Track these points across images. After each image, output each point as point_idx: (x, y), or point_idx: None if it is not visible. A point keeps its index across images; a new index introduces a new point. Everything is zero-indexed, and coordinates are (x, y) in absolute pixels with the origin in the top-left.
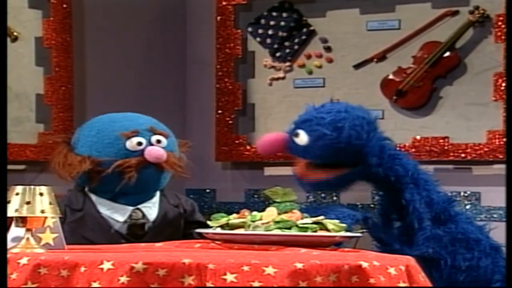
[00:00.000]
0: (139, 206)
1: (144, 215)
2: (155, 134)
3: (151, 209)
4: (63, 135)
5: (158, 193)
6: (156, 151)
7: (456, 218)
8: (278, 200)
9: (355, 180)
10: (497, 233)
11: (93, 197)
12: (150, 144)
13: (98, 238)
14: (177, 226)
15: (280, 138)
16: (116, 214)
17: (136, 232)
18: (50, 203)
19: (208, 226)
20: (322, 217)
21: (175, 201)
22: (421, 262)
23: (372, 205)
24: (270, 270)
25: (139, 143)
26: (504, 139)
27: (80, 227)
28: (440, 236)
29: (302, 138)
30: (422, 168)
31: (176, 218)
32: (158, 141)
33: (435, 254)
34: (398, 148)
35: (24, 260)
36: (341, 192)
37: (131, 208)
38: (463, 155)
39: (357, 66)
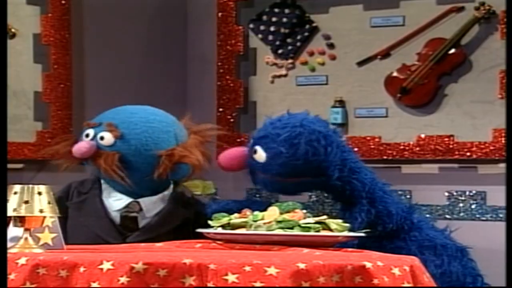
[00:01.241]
0: (139, 200)
1: (141, 209)
2: (106, 130)
3: (154, 205)
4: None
5: (170, 189)
6: (77, 145)
7: (419, 225)
8: (198, 192)
9: (312, 189)
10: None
11: (103, 183)
12: (93, 138)
13: (93, 224)
14: (176, 228)
15: (240, 154)
16: (115, 202)
17: (129, 224)
18: (49, 203)
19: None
20: (325, 216)
21: (189, 201)
22: None
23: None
24: (272, 270)
25: (87, 135)
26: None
27: (79, 209)
28: (403, 247)
29: (260, 155)
30: (380, 181)
31: (179, 219)
32: (101, 138)
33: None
34: (358, 160)
35: (22, 260)
36: (296, 194)
37: (130, 199)
38: (468, 153)
39: (361, 63)
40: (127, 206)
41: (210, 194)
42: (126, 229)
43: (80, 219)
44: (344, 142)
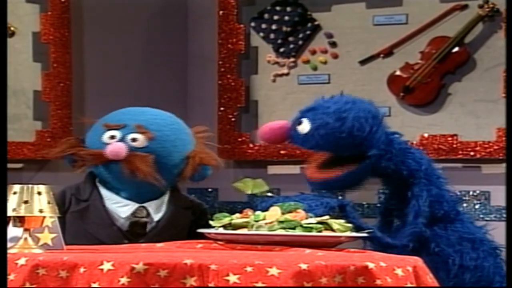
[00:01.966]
0: (145, 204)
1: (148, 214)
2: (137, 132)
3: (157, 209)
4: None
5: (168, 192)
6: (113, 147)
7: (461, 217)
8: (248, 192)
9: (365, 176)
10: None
11: (102, 189)
12: (122, 140)
13: (99, 232)
14: (182, 230)
15: (282, 125)
16: (121, 209)
17: (137, 230)
18: (49, 202)
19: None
20: (327, 216)
21: (186, 203)
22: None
23: (378, 204)
24: (274, 271)
25: (112, 137)
26: None
27: (83, 218)
28: (442, 236)
29: (305, 126)
30: (435, 165)
31: (183, 221)
32: (133, 139)
33: (443, 253)
34: (409, 144)
35: (22, 261)
36: (352, 191)
37: (136, 205)
38: (472, 153)
39: (363, 62)
40: (134, 211)
41: (263, 192)
42: (134, 235)
43: (83, 227)
44: (389, 131)
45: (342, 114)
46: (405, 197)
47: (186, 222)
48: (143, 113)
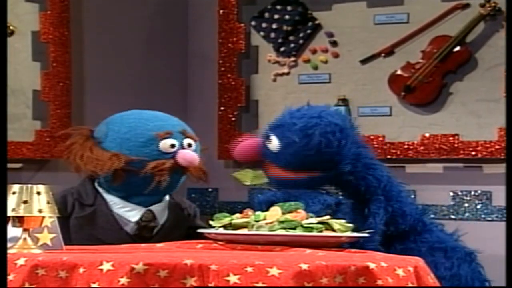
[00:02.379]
0: (151, 208)
1: (155, 217)
2: (187, 137)
3: (162, 212)
4: (84, 127)
5: (167, 196)
6: (190, 155)
7: (430, 227)
8: (247, 183)
9: (325, 184)
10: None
11: (105, 194)
12: (182, 147)
13: (108, 237)
14: (184, 230)
15: (253, 144)
16: (129, 213)
17: (145, 234)
18: (48, 202)
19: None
20: (328, 217)
21: (182, 204)
22: None
23: None
24: (274, 271)
25: (172, 145)
26: None
27: (89, 223)
28: (413, 249)
29: (274, 143)
30: (396, 180)
31: (184, 222)
32: (189, 145)
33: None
34: (374, 157)
35: (21, 261)
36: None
37: (143, 209)
38: (473, 153)
39: (364, 61)
40: (142, 215)
41: (261, 184)
42: (142, 239)
43: (91, 232)
44: (360, 138)
45: (308, 131)
46: (362, 212)
47: (185, 223)
48: (170, 118)
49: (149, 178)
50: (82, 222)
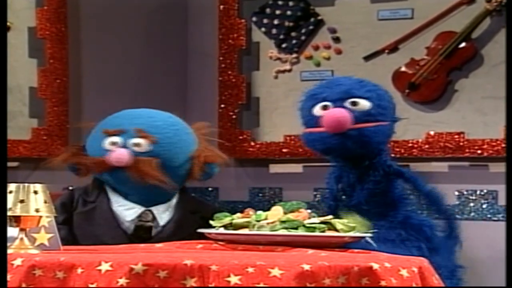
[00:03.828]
0: (151, 208)
1: (154, 218)
2: (138, 137)
3: (164, 213)
4: None
5: (176, 196)
6: (116, 154)
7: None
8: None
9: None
10: None
11: (110, 192)
12: (124, 146)
13: (104, 234)
14: (189, 235)
15: (343, 113)
16: (126, 212)
17: (142, 234)
18: (45, 202)
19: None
20: (330, 216)
21: (194, 207)
22: None
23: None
24: (276, 271)
25: (113, 143)
26: None
27: (88, 219)
28: None
29: (363, 104)
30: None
31: (190, 226)
32: (136, 144)
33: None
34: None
35: (18, 261)
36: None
37: (142, 208)
38: (479, 151)
39: (368, 58)
40: (140, 215)
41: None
42: (139, 239)
43: (89, 228)
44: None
45: (380, 91)
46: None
47: (192, 226)
48: (141, 116)
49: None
50: (82, 218)
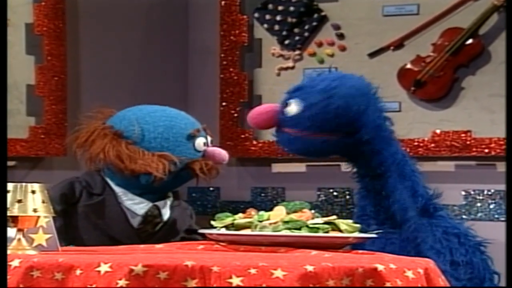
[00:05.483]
0: (157, 203)
1: (160, 213)
2: (208, 135)
3: (166, 209)
4: (97, 121)
5: (171, 197)
6: (222, 153)
7: (441, 212)
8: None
9: (340, 151)
10: None
11: (113, 185)
12: (207, 144)
13: (111, 228)
14: (186, 230)
15: (270, 108)
16: (136, 206)
17: (149, 229)
18: (43, 202)
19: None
20: (334, 216)
21: (184, 204)
22: None
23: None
24: (278, 273)
25: (205, 143)
26: None
27: (95, 212)
28: (427, 227)
29: (292, 107)
30: (412, 161)
31: (185, 221)
32: (212, 142)
33: (430, 248)
34: (393, 132)
35: (15, 262)
36: (321, 157)
37: (150, 203)
38: (486, 150)
39: (372, 55)
40: (148, 211)
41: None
42: (145, 234)
43: (95, 222)
44: (383, 108)
45: (328, 93)
46: (378, 192)
47: (186, 222)
48: (187, 115)
49: (184, 176)
50: (89, 210)
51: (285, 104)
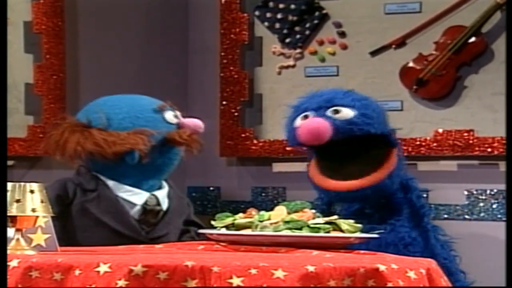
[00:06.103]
0: (155, 193)
1: (158, 202)
2: (175, 110)
3: (163, 198)
4: (65, 121)
5: (165, 183)
6: (196, 122)
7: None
8: None
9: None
10: None
11: (106, 180)
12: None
13: (113, 221)
14: (184, 219)
15: (323, 124)
16: (134, 197)
17: (150, 219)
18: (42, 201)
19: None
20: (335, 216)
21: (180, 193)
22: None
23: None
24: (279, 273)
25: (175, 116)
26: None
27: (94, 208)
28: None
29: (346, 112)
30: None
31: (184, 210)
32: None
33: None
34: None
35: (14, 263)
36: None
37: (147, 193)
38: (489, 149)
39: (374, 53)
40: (147, 200)
41: None
42: (147, 224)
43: (97, 217)
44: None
45: (366, 98)
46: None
47: (185, 211)
48: (144, 97)
49: (165, 151)
50: (87, 207)
51: (333, 111)
